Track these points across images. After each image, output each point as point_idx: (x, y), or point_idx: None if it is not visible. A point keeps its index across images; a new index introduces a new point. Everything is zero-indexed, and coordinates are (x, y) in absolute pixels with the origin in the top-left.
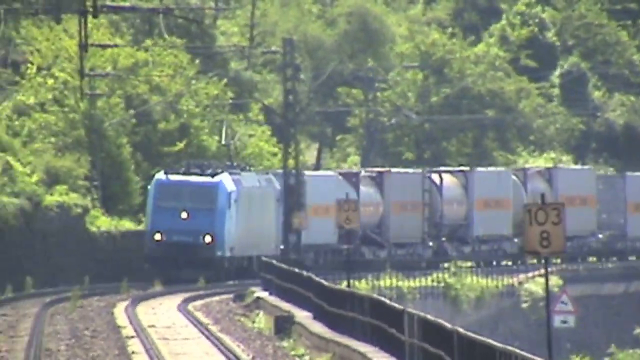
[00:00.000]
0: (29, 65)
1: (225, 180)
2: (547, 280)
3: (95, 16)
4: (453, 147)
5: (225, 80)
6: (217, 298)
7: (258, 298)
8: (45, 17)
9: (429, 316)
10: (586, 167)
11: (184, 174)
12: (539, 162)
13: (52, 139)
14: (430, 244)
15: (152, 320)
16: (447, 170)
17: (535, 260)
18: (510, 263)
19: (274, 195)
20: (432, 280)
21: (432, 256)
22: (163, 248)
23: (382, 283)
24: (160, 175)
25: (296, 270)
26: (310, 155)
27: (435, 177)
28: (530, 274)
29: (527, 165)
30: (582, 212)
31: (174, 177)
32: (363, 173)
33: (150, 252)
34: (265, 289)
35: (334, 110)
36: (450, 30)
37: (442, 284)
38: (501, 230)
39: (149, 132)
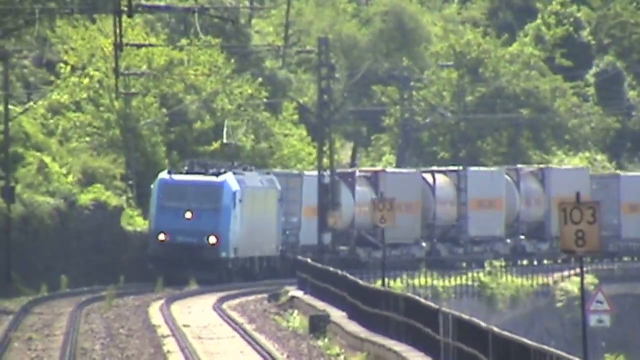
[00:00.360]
0: (63, 64)
1: (230, 179)
2: (582, 279)
3: (130, 15)
4: (488, 146)
5: (260, 80)
6: (252, 297)
7: (293, 297)
8: (80, 16)
9: (463, 315)
10: (580, 166)
11: (187, 173)
12: (574, 162)
13: (87, 139)
14: (424, 244)
15: (187, 319)
16: (440, 170)
17: (526, 262)
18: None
19: (276, 195)
20: (467, 279)
21: (425, 257)
22: (167, 249)
23: (416, 282)
24: (164, 175)
25: (330, 269)
26: (345, 154)
27: (428, 177)
28: (565, 273)
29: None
30: None
31: (177, 177)
32: (358, 173)
33: (153, 253)
34: (299, 288)
35: (369, 109)
36: (483, 29)
37: (477, 283)
38: (494, 231)
39: (184, 131)
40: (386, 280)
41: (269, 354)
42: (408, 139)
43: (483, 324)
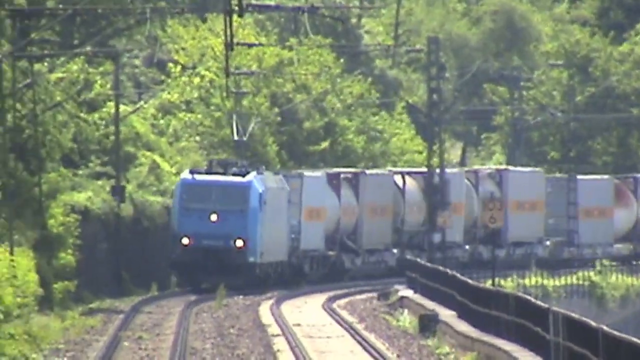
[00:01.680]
0: (174, 64)
1: (256, 180)
2: None
3: (241, 15)
4: (599, 145)
5: (370, 79)
6: (361, 296)
7: (402, 297)
8: (191, 16)
9: (573, 314)
10: (537, 169)
11: (208, 173)
12: None
13: (197, 138)
14: (395, 251)
15: (297, 318)
16: (409, 172)
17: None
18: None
19: (286, 196)
20: (577, 279)
21: (397, 264)
22: (191, 253)
23: (527, 281)
24: (186, 175)
25: (440, 268)
26: (454, 154)
27: (398, 179)
28: None
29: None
30: (531, 217)
31: (200, 177)
32: (343, 175)
33: (177, 258)
34: (409, 288)
35: (479, 108)
36: (592, 28)
37: (587, 283)
38: (453, 236)
39: (294, 131)
40: (496, 279)
41: (379, 353)
42: (518, 138)
43: (593, 323)
